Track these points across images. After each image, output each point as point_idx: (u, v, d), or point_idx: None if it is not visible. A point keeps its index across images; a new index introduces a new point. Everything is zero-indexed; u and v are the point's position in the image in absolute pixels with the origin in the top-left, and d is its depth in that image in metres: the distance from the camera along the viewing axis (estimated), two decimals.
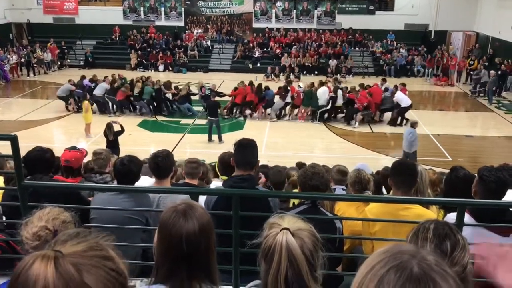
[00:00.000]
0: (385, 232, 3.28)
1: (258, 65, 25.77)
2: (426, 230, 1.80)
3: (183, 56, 26.43)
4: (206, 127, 15.98)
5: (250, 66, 25.76)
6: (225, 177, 4.25)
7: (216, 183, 4.29)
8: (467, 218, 3.08)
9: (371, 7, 27.75)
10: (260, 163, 8.96)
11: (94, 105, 17.36)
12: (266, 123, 17.14)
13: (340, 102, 17.19)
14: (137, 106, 18.07)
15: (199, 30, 28.43)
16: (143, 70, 25.21)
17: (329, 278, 2.42)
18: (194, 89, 18.95)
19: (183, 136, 15.64)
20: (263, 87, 18.01)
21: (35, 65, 24.98)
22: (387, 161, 11.20)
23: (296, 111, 17.73)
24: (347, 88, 17.86)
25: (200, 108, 17.98)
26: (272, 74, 24.01)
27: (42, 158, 3.80)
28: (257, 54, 26.38)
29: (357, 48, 27.19)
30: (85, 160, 5.30)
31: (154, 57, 26.27)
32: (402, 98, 16.71)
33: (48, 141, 14.94)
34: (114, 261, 1.18)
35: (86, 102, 15.62)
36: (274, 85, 19.21)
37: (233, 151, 3.56)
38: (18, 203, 2.96)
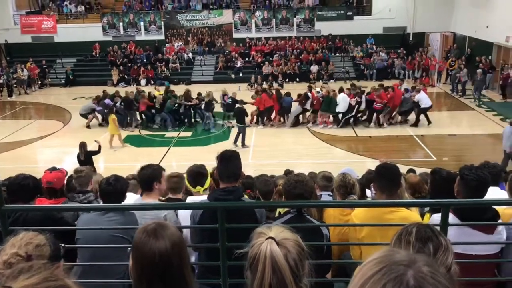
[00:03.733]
0: (372, 236, 3.30)
1: (241, 75, 25.84)
2: (408, 234, 1.81)
3: (165, 69, 26.40)
4: (191, 139, 16.05)
5: (233, 76, 25.82)
6: (199, 188, 4.22)
7: (192, 199, 4.24)
8: (451, 217, 3.11)
9: (349, 13, 28.06)
10: (247, 173, 9.00)
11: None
12: (251, 131, 17.11)
13: (363, 106, 17.26)
14: (158, 119, 18.16)
15: (180, 43, 28.44)
16: (125, 85, 25.09)
17: (319, 286, 2.42)
18: (217, 98, 18.86)
19: (168, 149, 15.57)
20: (281, 93, 17.96)
21: (14, 85, 24.70)
22: (372, 165, 11.26)
23: (313, 116, 17.87)
24: (363, 90, 17.84)
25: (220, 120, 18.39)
26: (255, 83, 24.04)
27: (22, 186, 3.75)
28: (239, 64, 26.46)
29: (337, 54, 27.44)
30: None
31: (135, 71, 26.18)
32: (423, 98, 16.77)
33: (32, 161, 14.79)
34: None
35: (113, 115, 15.96)
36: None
37: (216, 164, 3.55)
38: None
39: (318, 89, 18.27)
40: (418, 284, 1.03)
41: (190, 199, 4.23)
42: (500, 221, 3.22)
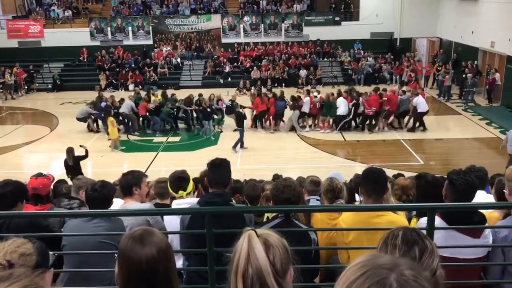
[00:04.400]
0: (360, 240, 3.31)
1: (229, 79, 25.85)
2: (395, 237, 1.82)
3: (153, 74, 26.32)
4: (179, 144, 16.01)
5: (221, 81, 25.82)
6: (181, 192, 4.22)
7: (178, 202, 4.24)
8: (439, 221, 3.14)
9: (337, 18, 28.27)
10: (236, 178, 8.99)
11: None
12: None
13: (361, 109, 17.17)
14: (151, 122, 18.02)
15: (168, 48, 28.40)
16: (113, 90, 24.96)
17: None
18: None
19: (156, 155, 15.50)
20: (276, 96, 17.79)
21: (0, 90, 24.46)
22: (360, 169, 11.32)
23: (311, 121, 17.87)
24: (360, 93, 17.78)
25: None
26: (244, 88, 24.11)
27: (2, 194, 3.70)
28: (227, 69, 26.48)
29: (325, 59, 27.59)
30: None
31: (123, 76, 26.07)
32: (420, 103, 16.65)
33: (18, 167, 14.63)
34: None
35: (111, 118, 15.95)
36: (246, 99, 19.21)
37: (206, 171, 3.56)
38: None
39: (315, 93, 18.10)
40: (400, 287, 1.04)
41: (175, 203, 4.23)
42: (486, 225, 3.25)
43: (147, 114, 17.90)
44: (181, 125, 18.51)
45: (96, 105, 18.18)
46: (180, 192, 4.20)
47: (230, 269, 1.64)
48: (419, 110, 16.78)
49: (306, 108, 17.40)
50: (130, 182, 4.11)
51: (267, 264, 1.59)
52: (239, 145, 15.51)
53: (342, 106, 16.97)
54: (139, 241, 1.84)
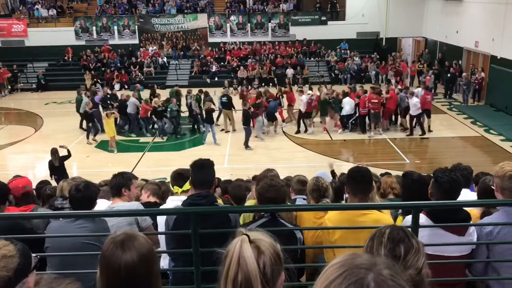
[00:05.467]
0: (345, 239, 3.31)
1: (216, 79, 25.78)
2: (381, 235, 1.83)
3: (139, 73, 26.15)
4: (166, 144, 15.94)
5: (208, 80, 25.76)
6: (177, 188, 4.23)
7: (172, 198, 4.26)
8: (425, 219, 3.15)
9: (323, 18, 28.37)
10: (223, 178, 8.97)
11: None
12: (227, 136, 17.04)
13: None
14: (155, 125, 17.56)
15: (154, 47, 28.25)
16: (98, 90, 24.69)
17: None
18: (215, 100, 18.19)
19: (143, 155, 15.40)
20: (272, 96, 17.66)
21: None
22: (347, 168, 11.35)
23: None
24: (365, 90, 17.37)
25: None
26: (231, 87, 24.02)
27: None
28: (214, 69, 26.42)
29: (312, 58, 27.67)
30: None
31: (109, 76, 25.86)
32: (412, 104, 16.08)
33: (3, 168, 14.43)
34: None
35: (103, 114, 15.67)
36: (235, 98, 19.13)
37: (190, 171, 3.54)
38: None
39: (309, 91, 17.47)
40: (378, 287, 1.05)
41: (170, 199, 4.25)
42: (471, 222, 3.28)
43: (153, 117, 17.45)
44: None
45: (91, 101, 17.52)
46: (176, 188, 4.21)
47: (221, 273, 1.63)
48: (411, 112, 16.44)
49: (302, 108, 17.08)
50: (120, 183, 4.19)
51: (256, 272, 1.58)
52: (245, 142, 15.55)
53: (347, 106, 16.89)
54: (120, 246, 1.82)
